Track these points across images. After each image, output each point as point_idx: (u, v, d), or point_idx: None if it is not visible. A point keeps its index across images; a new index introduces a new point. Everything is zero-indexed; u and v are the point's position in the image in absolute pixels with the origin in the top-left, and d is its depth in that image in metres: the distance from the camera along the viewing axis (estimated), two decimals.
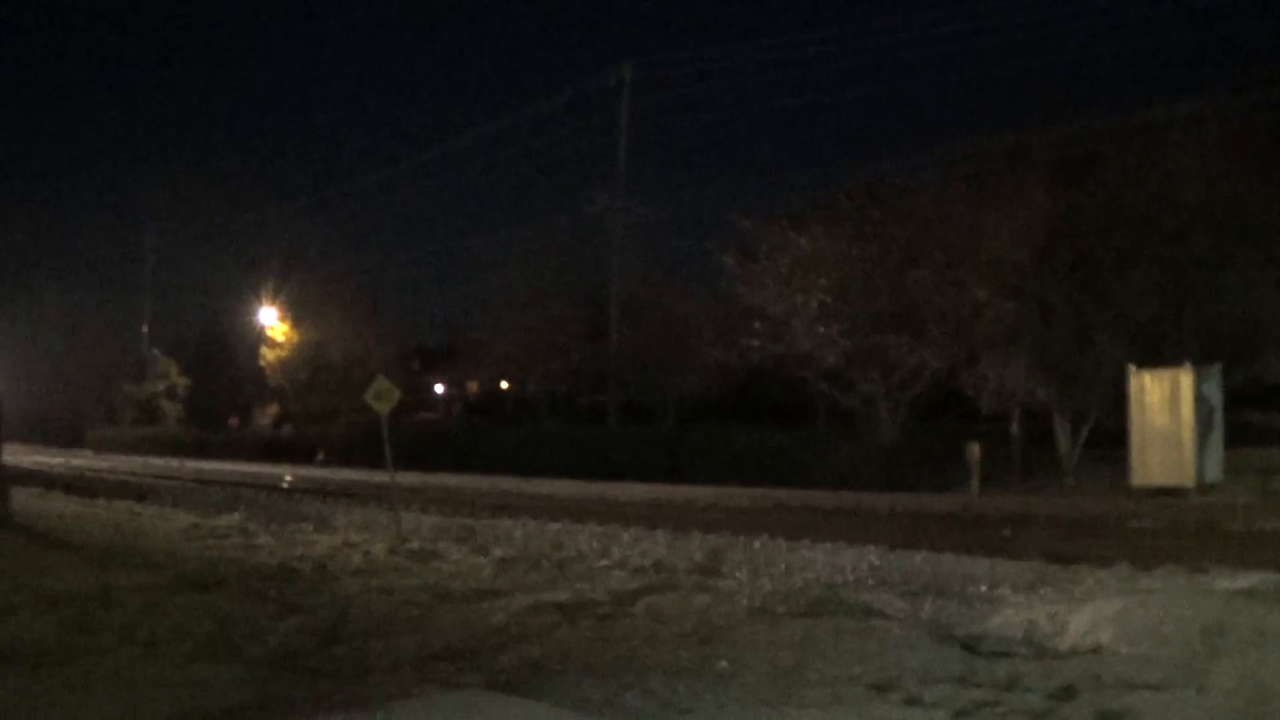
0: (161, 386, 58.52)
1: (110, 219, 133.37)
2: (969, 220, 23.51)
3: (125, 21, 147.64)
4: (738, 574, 11.89)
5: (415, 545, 15.03)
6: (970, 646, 8.19)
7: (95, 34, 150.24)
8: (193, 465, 39.16)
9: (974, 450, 20.51)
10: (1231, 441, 19.76)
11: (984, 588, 10.15)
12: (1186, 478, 18.35)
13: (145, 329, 62.93)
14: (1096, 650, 7.88)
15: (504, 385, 50.74)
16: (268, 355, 45.50)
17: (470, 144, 77.14)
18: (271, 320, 45.99)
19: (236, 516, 20.55)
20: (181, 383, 58.38)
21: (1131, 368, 19.27)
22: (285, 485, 27.53)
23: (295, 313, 45.06)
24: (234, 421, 57.62)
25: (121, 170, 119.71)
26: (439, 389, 60.70)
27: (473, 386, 57.19)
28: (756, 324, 26.55)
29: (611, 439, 32.28)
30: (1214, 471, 18.91)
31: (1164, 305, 20.95)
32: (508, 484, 25.24)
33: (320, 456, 40.59)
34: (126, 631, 9.10)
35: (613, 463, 28.39)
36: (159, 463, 40.97)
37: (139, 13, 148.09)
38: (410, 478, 23.59)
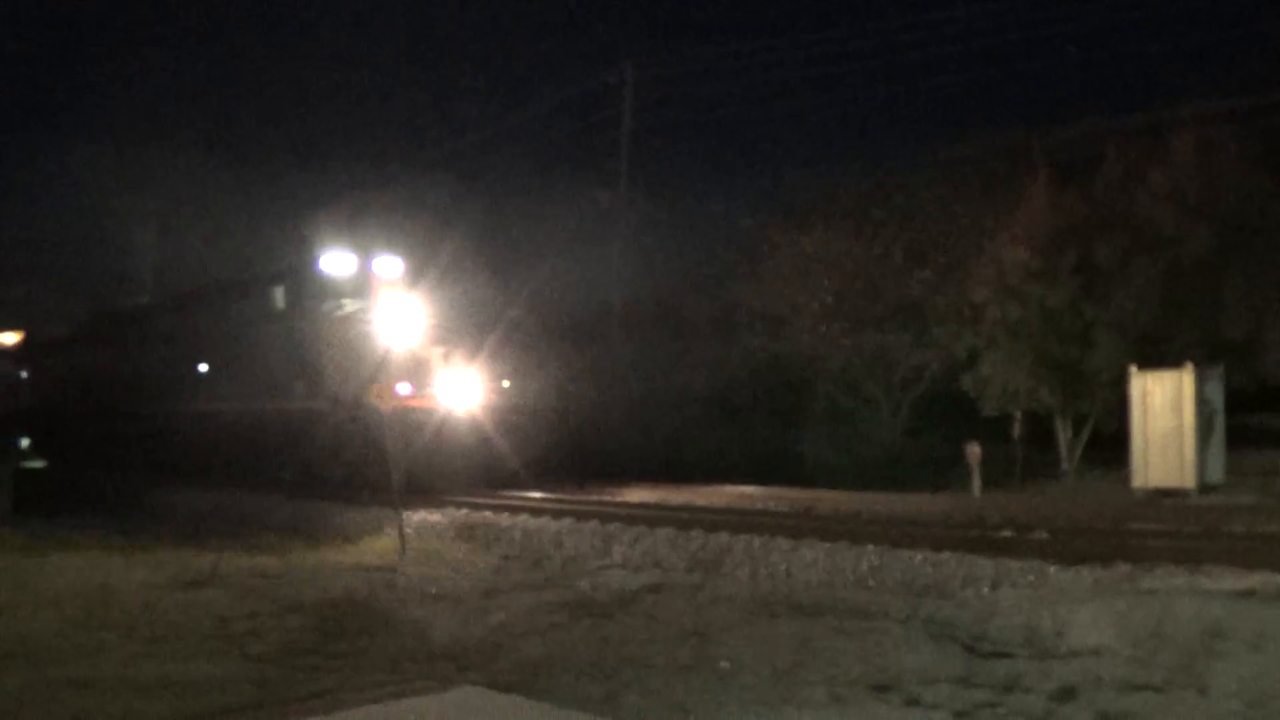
0: None
1: (111, 215, 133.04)
2: (971, 220, 23.50)
3: (122, 22, 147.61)
4: (738, 573, 11.90)
5: (416, 543, 15.03)
6: (970, 647, 8.19)
7: (89, 27, 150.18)
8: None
9: (974, 450, 20.43)
10: (1233, 443, 19.70)
11: (984, 588, 10.14)
12: (1188, 479, 18.29)
13: None
14: (1097, 651, 7.88)
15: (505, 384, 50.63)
16: None
17: (472, 143, 77.00)
18: None
19: None
20: None
21: (1133, 369, 19.21)
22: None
23: None
24: None
25: (123, 169, 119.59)
26: None
27: None
28: (758, 323, 26.55)
29: (612, 438, 32.15)
30: (1216, 473, 18.85)
31: (1166, 306, 20.90)
32: None
33: None
34: (127, 629, 9.11)
35: (613, 461, 28.31)
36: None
37: (136, 13, 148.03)
38: None
